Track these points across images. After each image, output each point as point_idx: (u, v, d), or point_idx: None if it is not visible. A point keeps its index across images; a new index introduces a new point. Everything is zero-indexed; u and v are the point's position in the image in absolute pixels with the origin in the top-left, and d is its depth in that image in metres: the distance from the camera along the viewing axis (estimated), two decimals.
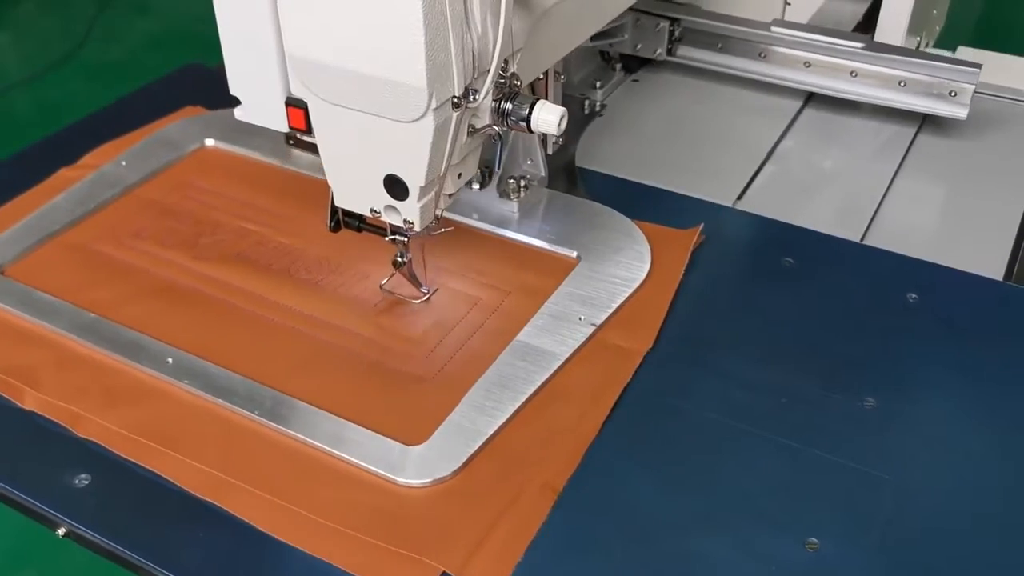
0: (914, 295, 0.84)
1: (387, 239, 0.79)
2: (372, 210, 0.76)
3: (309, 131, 0.76)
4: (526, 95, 0.73)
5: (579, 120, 1.10)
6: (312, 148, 0.77)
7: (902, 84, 1.05)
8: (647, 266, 0.86)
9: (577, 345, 0.78)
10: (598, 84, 1.14)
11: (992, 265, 0.89)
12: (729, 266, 0.89)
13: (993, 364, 0.78)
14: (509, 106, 0.73)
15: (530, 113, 0.72)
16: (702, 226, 0.91)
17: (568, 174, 1.01)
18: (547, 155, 0.96)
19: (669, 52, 1.14)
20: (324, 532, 0.66)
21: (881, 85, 1.07)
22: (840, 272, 0.87)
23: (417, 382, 0.77)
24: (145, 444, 0.72)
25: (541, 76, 0.90)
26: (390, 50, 0.65)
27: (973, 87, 1.02)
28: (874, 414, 0.74)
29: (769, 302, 0.84)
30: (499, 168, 0.91)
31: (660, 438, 0.73)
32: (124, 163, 1.02)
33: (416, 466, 0.69)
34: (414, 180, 0.72)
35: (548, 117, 0.73)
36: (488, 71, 0.69)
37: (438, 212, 0.76)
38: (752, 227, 0.93)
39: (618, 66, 1.17)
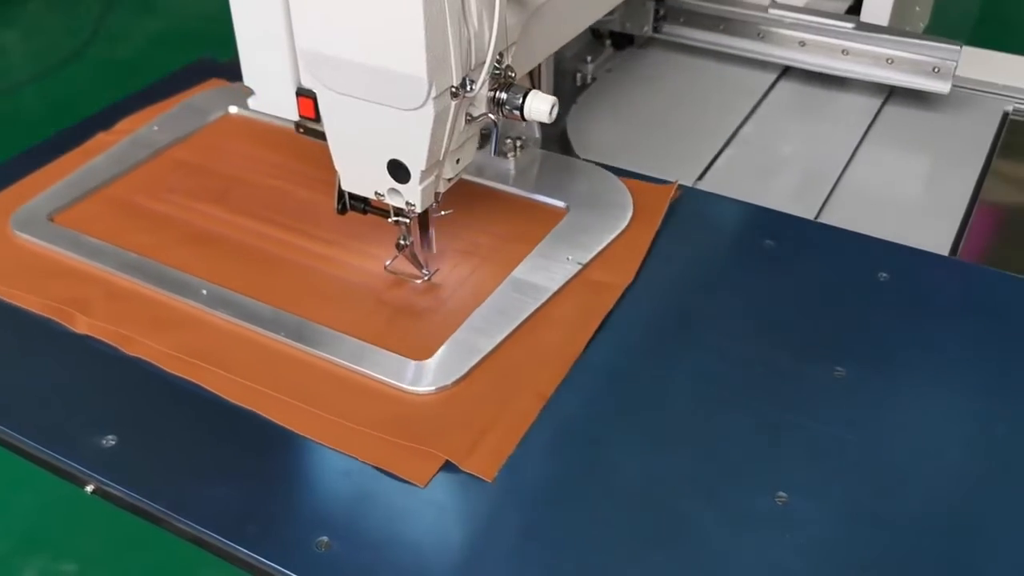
0: (885, 274, 0.89)
1: (390, 221, 0.84)
2: (376, 193, 0.81)
3: (318, 119, 0.81)
4: (520, 86, 0.78)
5: (571, 91, 1.20)
6: (321, 135, 0.82)
7: (889, 61, 1.11)
8: (629, 214, 0.95)
9: (564, 280, 0.88)
10: (589, 59, 1.23)
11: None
12: (708, 245, 0.94)
13: (954, 339, 0.82)
14: (504, 96, 0.78)
15: (523, 102, 0.78)
16: (678, 182, 0.98)
17: (560, 137, 1.11)
18: None
19: (655, 30, 1.22)
20: (347, 433, 0.75)
21: (870, 63, 1.12)
22: (814, 252, 0.92)
23: (424, 310, 0.86)
24: (188, 361, 0.81)
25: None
26: (393, 43, 0.70)
27: (955, 64, 1.07)
28: (842, 382, 0.78)
29: (747, 281, 0.89)
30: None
31: (641, 404, 0.77)
32: (156, 127, 1.11)
33: (424, 377, 0.79)
34: (415, 164, 0.76)
35: (540, 106, 0.78)
36: (484, 63, 0.75)
37: (438, 193, 0.81)
38: (729, 210, 0.98)
39: (607, 42, 1.27)
